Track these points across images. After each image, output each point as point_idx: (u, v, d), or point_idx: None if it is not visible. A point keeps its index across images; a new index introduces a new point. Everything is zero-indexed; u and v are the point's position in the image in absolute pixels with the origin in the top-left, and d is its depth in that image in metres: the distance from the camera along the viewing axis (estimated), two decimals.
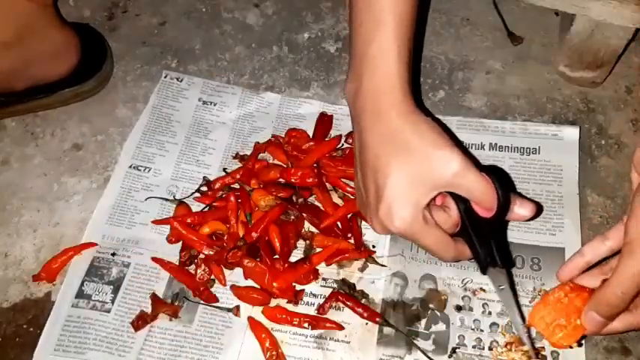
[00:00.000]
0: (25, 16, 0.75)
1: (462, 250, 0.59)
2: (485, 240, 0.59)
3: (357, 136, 0.60)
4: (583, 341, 0.63)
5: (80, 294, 0.69)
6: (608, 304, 0.54)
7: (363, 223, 0.73)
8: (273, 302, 0.68)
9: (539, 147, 0.79)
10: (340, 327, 0.66)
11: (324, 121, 0.82)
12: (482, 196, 0.55)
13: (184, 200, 0.76)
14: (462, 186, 0.55)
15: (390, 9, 0.57)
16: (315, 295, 0.69)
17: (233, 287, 0.69)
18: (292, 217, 0.72)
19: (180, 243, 0.72)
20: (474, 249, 0.59)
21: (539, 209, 0.60)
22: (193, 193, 0.77)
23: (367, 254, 0.71)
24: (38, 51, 0.79)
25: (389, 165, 0.56)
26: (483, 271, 0.60)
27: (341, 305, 0.68)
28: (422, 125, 0.56)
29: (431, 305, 0.68)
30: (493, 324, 0.67)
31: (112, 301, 0.68)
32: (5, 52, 0.76)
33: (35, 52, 0.79)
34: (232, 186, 0.76)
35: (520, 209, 0.58)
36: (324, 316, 0.67)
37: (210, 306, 0.68)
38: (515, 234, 0.72)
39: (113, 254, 0.72)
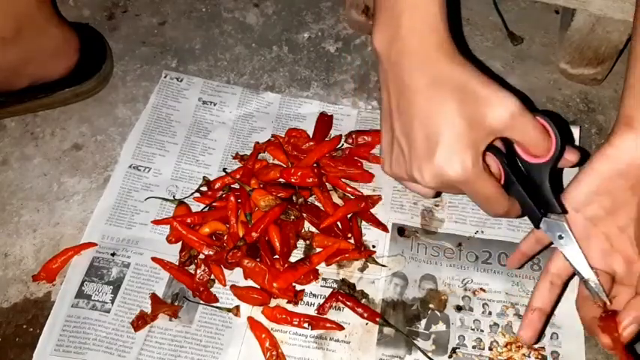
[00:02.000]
0: (23, 12, 0.75)
1: (514, 203, 0.57)
2: (535, 189, 0.56)
3: (396, 84, 0.55)
4: None
5: (80, 294, 0.69)
6: None
7: (364, 223, 0.73)
8: (273, 302, 0.68)
9: None
10: (340, 327, 0.66)
11: (324, 121, 0.82)
12: (538, 140, 0.53)
13: (184, 200, 0.76)
14: (518, 129, 0.53)
15: None
16: (315, 295, 0.69)
17: (233, 287, 0.69)
18: (292, 217, 0.72)
19: (180, 243, 0.72)
20: (524, 201, 0.57)
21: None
22: (193, 193, 0.77)
23: (367, 254, 0.71)
24: (37, 48, 0.79)
25: (443, 107, 0.52)
26: (537, 224, 0.58)
27: (341, 305, 0.68)
28: (470, 67, 0.53)
29: (431, 305, 0.68)
30: (493, 324, 0.67)
31: (112, 301, 0.68)
32: (4, 48, 0.76)
33: (34, 48, 0.78)
34: (232, 186, 0.76)
35: (569, 155, 0.56)
36: (324, 317, 0.67)
37: (210, 306, 0.68)
38: (516, 234, 0.72)
39: (113, 254, 0.72)
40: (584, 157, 0.60)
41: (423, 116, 0.53)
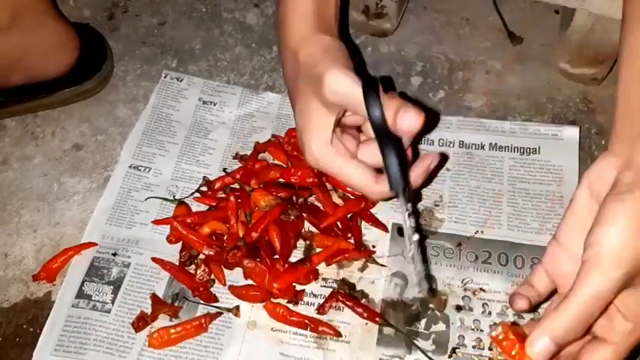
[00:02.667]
0: (20, 1, 0.75)
1: (383, 187, 0.54)
2: (393, 159, 0.52)
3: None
4: None
5: (80, 294, 0.69)
6: (566, 328, 0.45)
7: (364, 223, 0.74)
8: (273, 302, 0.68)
9: (539, 147, 0.79)
10: (338, 334, 0.66)
11: None
12: (357, 103, 0.51)
13: (184, 200, 0.76)
14: (341, 98, 0.52)
15: None
16: (315, 295, 0.69)
17: (232, 287, 0.69)
18: (292, 217, 0.72)
19: (181, 243, 0.72)
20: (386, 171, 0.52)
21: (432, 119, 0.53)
22: (193, 193, 0.77)
23: (367, 254, 0.71)
24: (34, 40, 0.78)
25: (293, 97, 0.57)
26: (396, 195, 0.53)
27: (341, 305, 0.68)
28: (309, 48, 0.56)
29: (431, 305, 0.68)
30: (493, 324, 0.67)
31: (112, 302, 0.68)
32: (0, 37, 0.76)
33: (31, 40, 0.78)
34: (232, 186, 0.76)
35: (404, 119, 0.50)
36: (325, 319, 0.67)
37: (210, 306, 0.68)
38: (516, 234, 0.72)
39: (114, 254, 0.72)
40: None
41: (296, 97, 0.58)
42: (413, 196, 0.55)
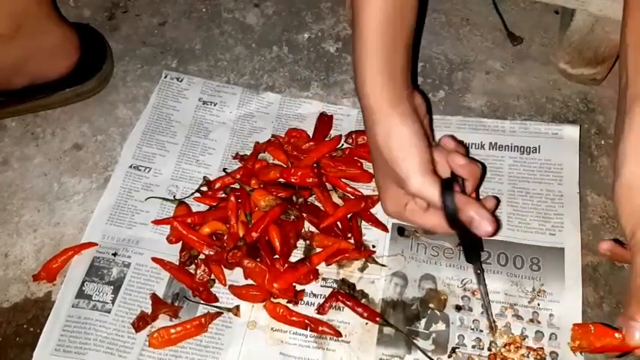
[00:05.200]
0: (23, 9, 0.75)
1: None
2: (465, 240, 0.65)
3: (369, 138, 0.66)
4: None
5: (80, 294, 0.69)
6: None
7: (364, 223, 0.74)
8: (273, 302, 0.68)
9: (539, 146, 0.79)
10: (338, 334, 0.66)
11: (324, 121, 0.83)
12: (436, 200, 0.60)
13: (184, 200, 0.76)
14: (422, 197, 0.61)
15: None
16: (315, 295, 0.69)
17: (231, 287, 0.69)
18: (292, 217, 0.72)
19: (181, 243, 0.72)
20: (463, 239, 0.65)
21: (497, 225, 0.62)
22: (193, 193, 0.77)
23: (367, 254, 0.71)
24: (37, 45, 0.79)
25: (384, 165, 0.63)
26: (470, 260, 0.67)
27: (341, 305, 0.68)
28: (416, 128, 0.62)
29: (431, 305, 0.68)
30: (493, 321, 0.67)
31: (113, 302, 0.68)
32: (3, 45, 0.76)
33: (34, 46, 0.78)
34: (232, 186, 0.76)
35: (479, 226, 0.59)
36: (325, 319, 0.67)
37: (210, 306, 0.68)
38: (515, 234, 0.72)
39: (114, 254, 0.72)
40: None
41: (375, 167, 0.66)
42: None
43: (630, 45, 0.55)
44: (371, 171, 0.77)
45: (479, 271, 0.67)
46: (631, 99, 0.53)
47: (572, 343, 0.57)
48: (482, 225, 0.59)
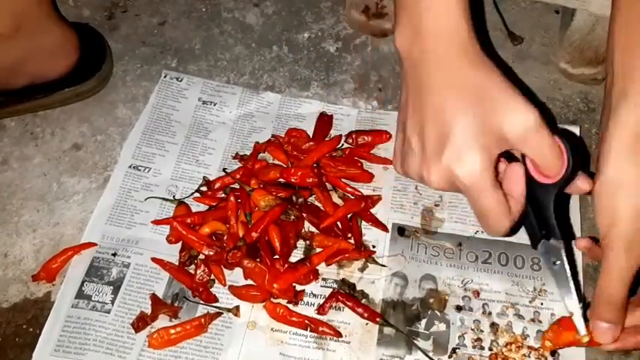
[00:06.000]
0: (22, 9, 0.75)
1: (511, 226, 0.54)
2: (539, 208, 0.55)
3: (415, 83, 0.54)
4: None
5: (80, 294, 0.69)
6: (608, 302, 0.53)
7: (364, 223, 0.73)
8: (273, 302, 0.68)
9: None
10: (338, 334, 0.66)
11: (324, 121, 0.82)
12: (550, 159, 0.51)
13: (184, 200, 0.76)
14: (531, 145, 0.51)
15: None
16: (315, 295, 0.69)
17: (231, 288, 0.69)
18: (292, 217, 0.72)
19: (180, 243, 0.72)
20: (527, 218, 0.55)
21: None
22: (193, 193, 0.77)
23: (367, 254, 0.71)
24: (36, 45, 0.79)
25: (458, 107, 0.50)
26: (534, 245, 0.57)
27: (341, 305, 0.68)
28: (494, 72, 0.51)
29: (431, 305, 0.68)
30: (493, 324, 0.67)
31: (112, 302, 0.68)
32: (2, 45, 0.76)
33: (33, 46, 0.78)
34: (232, 186, 0.76)
35: (581, 181, 0.55)
36: (325, 319, 0.67)
37: (210, 306, 0.68)
38: (515, 234, 0.72)
39: (114, 254, 0.71)
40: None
41: (435, 115, 0.52)
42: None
43: (617, 43, 0.54)
44: (371, 171, 0.77)
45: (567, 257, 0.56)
46: (616, 97, 0.53)
47: (543, 344, 0.61)
48: (584, 179, 0.55)
